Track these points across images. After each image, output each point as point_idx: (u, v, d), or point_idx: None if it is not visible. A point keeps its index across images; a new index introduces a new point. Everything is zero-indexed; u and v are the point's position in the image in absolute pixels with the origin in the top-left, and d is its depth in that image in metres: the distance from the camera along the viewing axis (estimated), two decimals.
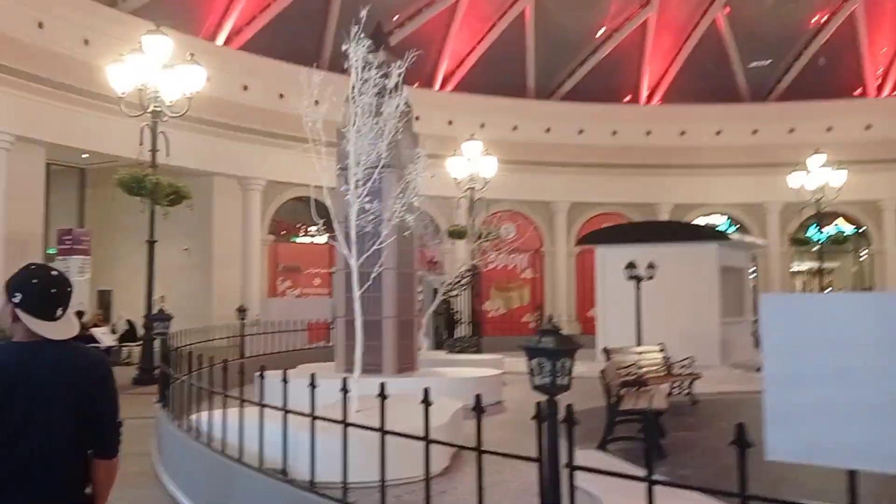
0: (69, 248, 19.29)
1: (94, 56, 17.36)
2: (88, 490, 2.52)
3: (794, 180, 22.82)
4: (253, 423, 4.82)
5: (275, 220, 24.70)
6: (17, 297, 2.44)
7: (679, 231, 18.18)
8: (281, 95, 24.15)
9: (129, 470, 7.04)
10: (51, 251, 20.10)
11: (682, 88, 28.86)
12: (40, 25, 17.75)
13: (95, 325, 16.67)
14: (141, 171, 12.79)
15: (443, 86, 28.24)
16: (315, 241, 25.53)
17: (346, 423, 4.24)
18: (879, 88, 29.16)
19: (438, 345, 17.43)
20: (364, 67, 7.38)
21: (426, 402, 3.60)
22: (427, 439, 3.66)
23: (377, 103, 7.64)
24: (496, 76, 27.90)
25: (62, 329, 2.47)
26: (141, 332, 14.09)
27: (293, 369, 11.37)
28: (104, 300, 22.82)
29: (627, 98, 29.58)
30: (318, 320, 15.86)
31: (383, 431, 3.89)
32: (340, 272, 9.99)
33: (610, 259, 16.30)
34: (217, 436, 5.53)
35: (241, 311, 13.37)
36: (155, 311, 13.42)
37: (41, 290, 2.46)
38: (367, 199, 7.52)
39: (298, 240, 25.59)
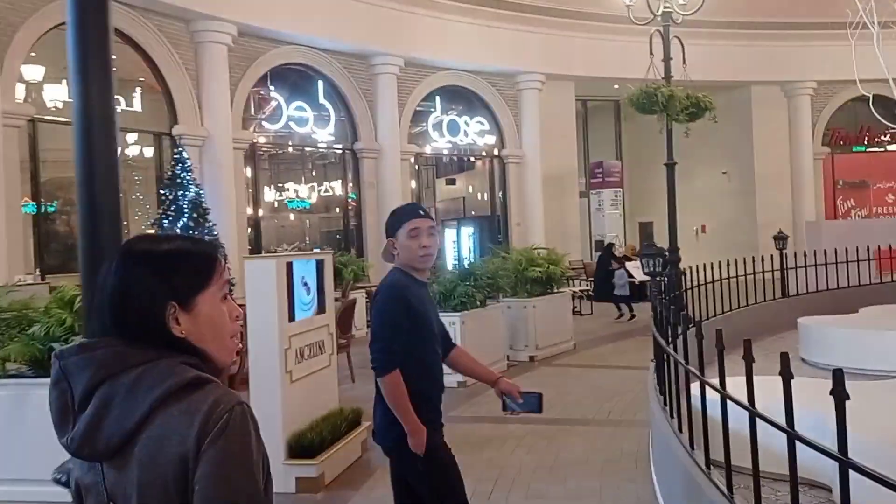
0: (600, 181, 19.07)
1: None
2: None
3: None
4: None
5: (830, 128, 20.64)
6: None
7: None
8: None
9: (624, 448, 5.67)
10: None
11: None
12: None
13: (627, 259, 15.92)
14: (653, 84, 11.18)
15: None
16: (889, 149, 20.66)
17: (791, 434, 2.01)
18: None
19: None
20: None
21: None
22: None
23: None
24: None
25: None
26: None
27: (852, 315, 8.53)
28: (646, 232, 22.33)
29: None
30: (892, 246, 12.13)
31: (845, 462, 1.60)
32: None
33: None
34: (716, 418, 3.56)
35: (780, 238, 10.78)
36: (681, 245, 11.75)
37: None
38: None
39: (863, 149, 20.98)
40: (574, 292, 13.71)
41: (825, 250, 10.69)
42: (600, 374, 8.09)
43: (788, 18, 19.46)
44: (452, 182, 20.12)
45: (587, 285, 15.78)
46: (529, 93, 17.92)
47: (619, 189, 19.41)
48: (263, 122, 14.18)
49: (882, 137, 20.90)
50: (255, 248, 13.78)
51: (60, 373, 1.20)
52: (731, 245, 19.55)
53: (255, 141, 13.83)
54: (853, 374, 7.01)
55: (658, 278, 6.56)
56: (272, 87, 13.98)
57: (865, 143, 20.89)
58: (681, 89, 11.21)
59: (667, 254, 10.42)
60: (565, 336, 9.86)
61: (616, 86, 20.88)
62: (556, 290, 9.77)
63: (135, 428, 1.15)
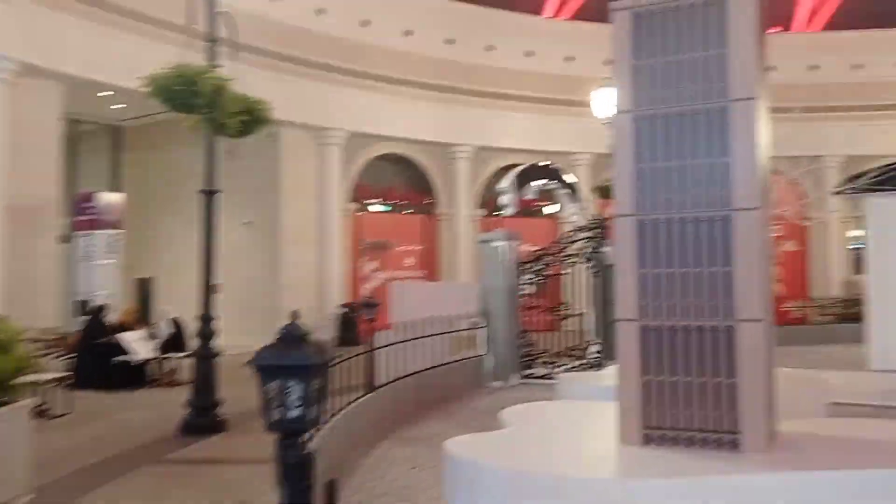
0: (92, 219, 14.08)
1: None
2: None
3: None
4: None
5: (357, 183, 19.31)
6: None
7: None
8: (366, 22, 18.71)
9: None
10: None
11: None
12: None
13: (125, 328, 11.48)
14: (193, 67, 7.39)
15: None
16: (406, 212, 20.21)
17: None
18: None
19: None
20: None
21: None
22: None
23: None
24: None
25: None
26: (192, 339, 8.80)
27: (500, 432, 5.89)
28: (144, 291, 17.78)
29: None
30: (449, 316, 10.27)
31: None
32: (626, 219, 4.59)
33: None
34: None
35: (368, 305, 7.88)
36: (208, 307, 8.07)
37: None
38: None
39: (385, 208, 20.24)
40: (43, 381, 8.72)
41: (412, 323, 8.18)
42: None
43: (321, 58, 17.71)
44: None
45: (69, 365, 10.72)
46: None
47: (119, 231, 14.64)
48: None
49: (404, 200, 20.52)
50: None
51: None
52: (250, 309, 16.40)
53: None
54: None
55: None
56: None
57: (391, 202, 20.24)
58: (230, 79, 7.67)
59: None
60: (9, 483, 5.09)
61: (112, 105, 16.37)
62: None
63: None
